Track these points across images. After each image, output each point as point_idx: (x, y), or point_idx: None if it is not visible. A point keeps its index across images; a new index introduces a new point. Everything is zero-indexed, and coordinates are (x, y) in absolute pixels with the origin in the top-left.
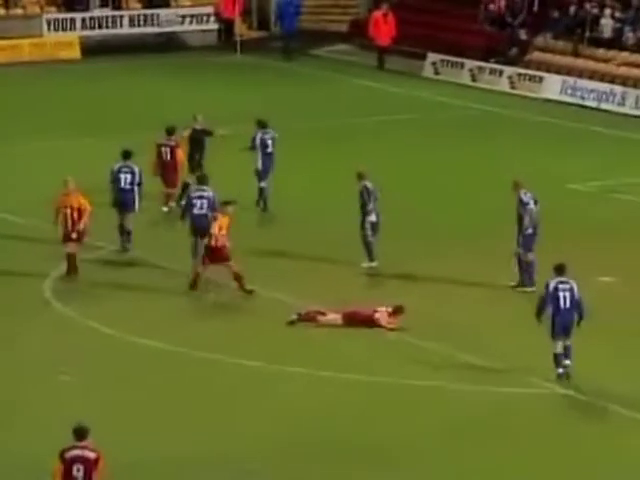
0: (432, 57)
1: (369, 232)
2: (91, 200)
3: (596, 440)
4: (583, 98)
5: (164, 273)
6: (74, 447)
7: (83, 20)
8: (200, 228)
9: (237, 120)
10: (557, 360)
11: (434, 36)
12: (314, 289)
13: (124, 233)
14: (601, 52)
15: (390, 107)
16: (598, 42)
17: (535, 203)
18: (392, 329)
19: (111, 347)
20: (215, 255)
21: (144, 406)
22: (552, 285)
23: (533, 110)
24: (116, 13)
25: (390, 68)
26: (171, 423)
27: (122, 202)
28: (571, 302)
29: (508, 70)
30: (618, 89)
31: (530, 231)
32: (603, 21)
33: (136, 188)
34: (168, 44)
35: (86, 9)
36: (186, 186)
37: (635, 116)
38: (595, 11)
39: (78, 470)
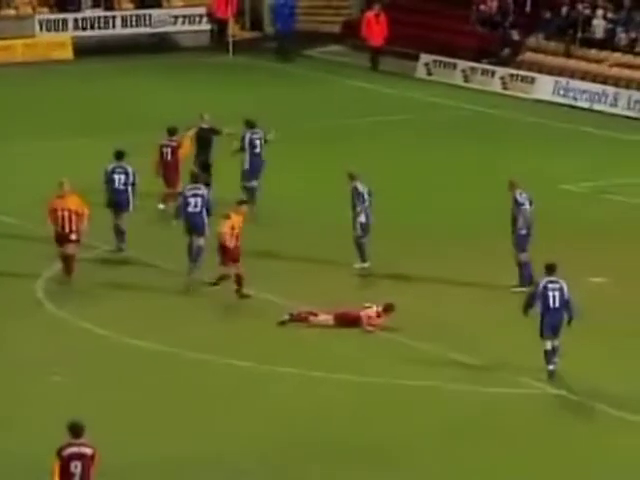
0: (425, 58)
1: (359, 233)
2: (84, 200)
3: (587, 440)
4: (575, 99)
5: (158, 273)
6: (71, 444)
7: (75, 21)
8: (195, 226)
9: (230, 121)
10: (547, 358)
11: (426, 37)
12: (306, 290)
13: (118, 235)
14: (593, 53)
15: (383, 108)
16: (590, 43)
17: (530, 204)
18: (370, 331)
19: (104, 348)
20: (227, 254)
21: (137, 407)
22: (542, 284)
23: (525, 111)
24: (108, 14)
25: (383, 69)
26: (164, 424)
27: (116, 202)
28: (560, 302)
29: (500, 71)
30: (610, 90)
31: (524, 232)
32: (595, 22)
33: (130, 188)
34: (161, 45)
35: (78, 10)
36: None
37: (627, 117)
38: (587, 12)
39: (76, 467)
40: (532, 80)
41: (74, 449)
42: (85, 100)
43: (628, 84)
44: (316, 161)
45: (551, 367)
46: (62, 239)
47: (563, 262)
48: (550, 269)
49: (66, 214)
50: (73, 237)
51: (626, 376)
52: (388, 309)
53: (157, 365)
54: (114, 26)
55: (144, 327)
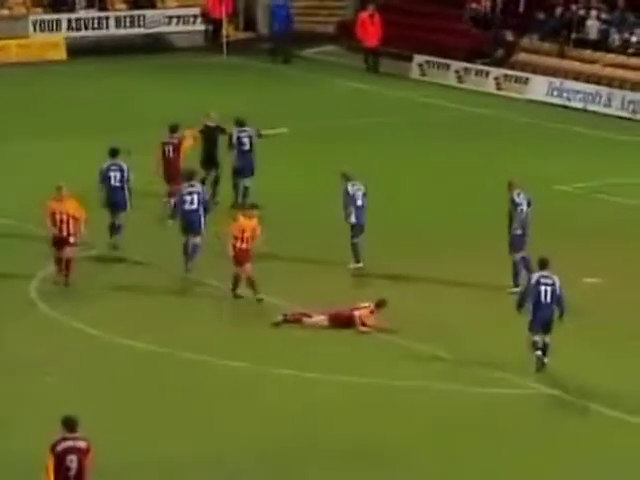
0: (418, 59)
1: (350, 234)
2: (82, 203)
3: (582, 439)
4: (569, 99)
5: (153, 273)
6: (65, 439)
7: (69, 21)
8: (191, 224)
9: (224, 121)
10: (534, 346)
11: (420, 38)
12: (301, 290)
13: (115, 230)
14: (587, 53)
15: (377, 108)
16: (584, 43)
17: (529, 205)
18: (364, 332)
19: (97, 348)
20: (238, 256)
21: (132, 408)
22: (534, 279)
23: (519, 111)
24: (102, 14)
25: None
26: (160, 424)
27: (114, 200)
28: (552, 297)
29: (494, 71)
30: (604, 90)
31: (519, 232)
32: (589, 22)
33: (126, 185)
34: (155, 45)
35: (72, 10)
36: (203, 181)
37: (621, 117)
38: (581, 12)
39: (71, 461)
40: (526, 80)
41: (69, 443)
42: (79, 100)
43: (622, 84)
44: (310, 161)
45: (538, 353)
46: (61, 242)
47: (560, 263)
48: (543, 264)
49: (65, 217)
50: (72, 240)
51: (620, 376)
52: (380, 305)
53: (152, 366)
54: (108, 27)
55: (138, 327)
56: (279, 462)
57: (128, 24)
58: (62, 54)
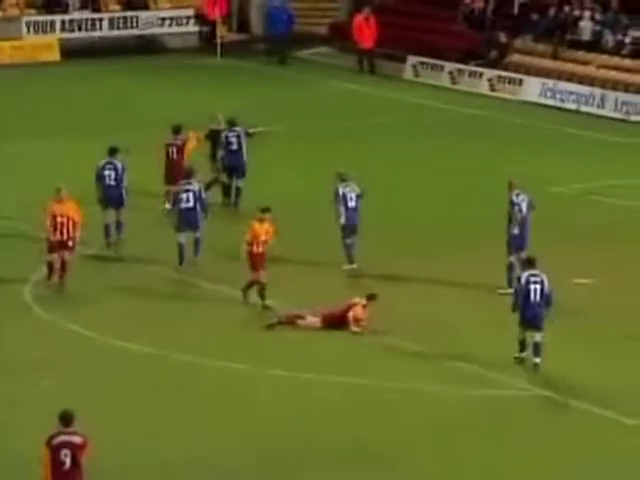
0: (412, 60)
1: (341, 234)
2: (79, 205)
3: (577, 440)
4: (562, 100)
5: (147, 274)
6: (61, 433)
7: (62, 22)
8: (189, 222)
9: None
10: (521, 346)
11: (414, 39)
12: (295, 291)
13: (116, 228)
14: (581, 54)
15: (370, 109)
16: (578, 44)
17: (530, 206)
18: (358, 332)
19: (92, 350)
20: (254, 261)
21: (126, 409)
22: (524, 278)
23: (512, 112)
24: (95, 15)
25: (370, 70)
26: (153, 426)
27: (110, 199)
28: (541, 295)
29: (488, 72)
30: (597, 91)
31: (516, 232)
32: (582, 24)
33: (121, 184)
34: (148, 46)
35: (65, 11)
36: (214, 182)
37: (614, 118)
38: (575, 14)
39: (66, 455)
40: (519, 82)
41: (64, 437)
42: (74, 101)
43: (615, 86)
44: (305, 162)
45: (524, 354)
46: (59, 245)
47: (553, 264)
48: (530, 263)
49: (65, 220)
50: (70, 244)
51: (615, 376)
52: (371, 298)
53: (147, 367)
54: (101, 28)
55: (133, 329)
56: (276, 463)
57: (121, 25)
58: (56, 55)
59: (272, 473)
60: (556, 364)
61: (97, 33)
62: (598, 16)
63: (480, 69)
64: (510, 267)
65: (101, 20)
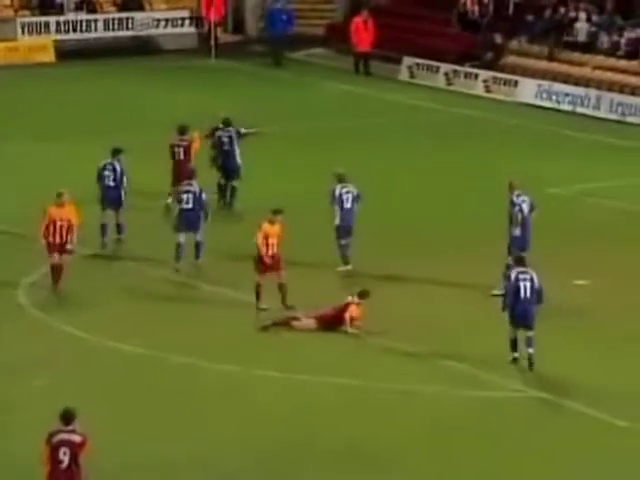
0: (408, 61)
1: (336, 235)
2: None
3: (574, 442)
4: (558, 102)
5: (145, 276)
6: (60, 431)
7: (57, 24)
8: (189, 223)
9: (213, 124)
10: (513, 345)
11: (410, 40)
12: (291, 293)
13: (107, 229)
14: (576, 56)
15: (366, 110)
16: (573, 46)
17: (531, 208)
18: (354, 333)
19: (86, 351)
20: (267, 264)
21: (121, 411)
22: (513, 276)
23: (508, 114)
24: (91, 17)
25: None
26: (150, 427)
27: (109, 200)
28: (531, 292)
29: (483, 74)
30: (593, 93)
31: (517, 233)
32: (578, 25)
33: (120, 185)
34: (144, 48)
35: (60, 12)
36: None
37: (610, 120)
38: (570, 15)
39: (64, 453)
40: (515, 83)
41: (63, 436)
42: (69, 103)
43: (610, 87)
44: (301, 163)
45: (516, 355)
46: (58, 249)
47: (551, 265)
48: (520, 260)
49: (65, 224)
50: (69, 247)
51: (612, 378)
52: (363, 295)
53: (142, 369)
54: (96, 29)
55: (128, 330)
56: (273, 464)
57: (117, 27)
58: (51, 56)
59: (271, 474)
60: (553, 365)
61: (92, 34)
62: (594, 17)
63: (476, 70)
64: (508, 267)
65: (96, 21)
